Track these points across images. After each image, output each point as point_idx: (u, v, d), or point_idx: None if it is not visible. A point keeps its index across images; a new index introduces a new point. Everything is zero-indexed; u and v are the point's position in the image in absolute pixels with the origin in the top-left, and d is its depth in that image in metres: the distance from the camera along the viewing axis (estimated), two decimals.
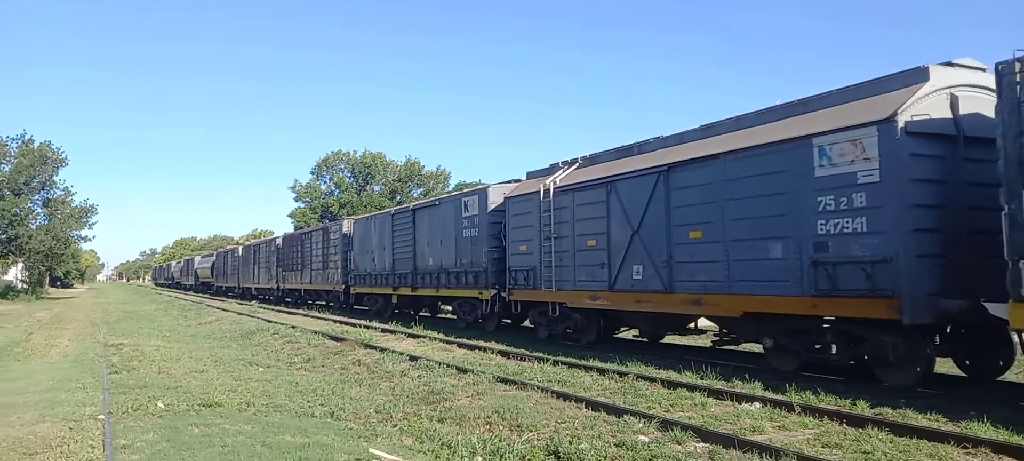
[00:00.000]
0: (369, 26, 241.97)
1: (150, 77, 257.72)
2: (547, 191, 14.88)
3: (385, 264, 23.53)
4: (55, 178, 51.59)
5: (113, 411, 8.89)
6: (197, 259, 75.39)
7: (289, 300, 35.59)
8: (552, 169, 15.51)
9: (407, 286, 21.94)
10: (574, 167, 14.87)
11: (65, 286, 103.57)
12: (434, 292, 20.56)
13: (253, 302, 40.22)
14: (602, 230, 13.35)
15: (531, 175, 16.56)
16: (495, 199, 17.59)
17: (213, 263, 60.38)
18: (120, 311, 35.14)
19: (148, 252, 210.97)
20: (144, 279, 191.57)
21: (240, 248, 50.12)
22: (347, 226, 28.25)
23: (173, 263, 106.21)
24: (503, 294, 16.80)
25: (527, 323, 18.47)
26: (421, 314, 24.01)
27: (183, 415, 8.78)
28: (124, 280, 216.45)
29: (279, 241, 38.30)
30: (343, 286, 27.56)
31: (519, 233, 16.07)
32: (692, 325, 13.27)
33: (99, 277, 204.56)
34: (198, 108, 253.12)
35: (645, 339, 15.20)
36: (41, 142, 50.06)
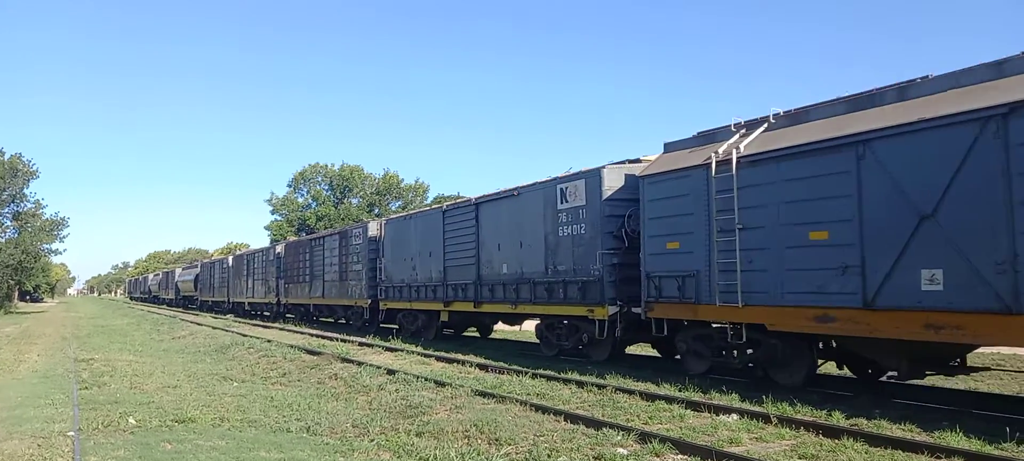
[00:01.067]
0: (346, 38, 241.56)
1: (122, 88, 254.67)
2: (723, 163, 10.58)
3: (432, 274, 19.19)
4: (25, 191, 50.77)
5: (83, 427, 8.70)
6: (177, 271, 69.12)
7: (292, 316, 32.18)
8: (717, 136, 11.37)
9: (465, 300, 17.66)
10: (761, 129, 10.68)
11: (35, 300, 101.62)
12: (510, 309, 16.03)
13: (227, 317, 39.54)
14: (846, 215, 8.96)
15: (674, 146, 12.26)
16: (613, 183, 13.25)
17: (197, 275, 55.37)
18: (91, 325, 34.51)
19: (120, 265, 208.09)
20: (116, 293, 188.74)
21: (230, 258, 44.85)
22: (374, 228, 23.57)
23: (150, 276, 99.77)
24: (632, 310, 12.64)
25: (640, 349, 15.65)
26: (463, 334, 21.25)
27: (155, 431, 8.63)
28: (96, 294, 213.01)
29: (280, 249, 33.94)
30: (368, 301, 23.03)
31: (665, 225, 11.65)
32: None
33: (70, 291, 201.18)
34: (172, 120, 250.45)
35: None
36: (11, 154, 49.28)
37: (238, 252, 43.19)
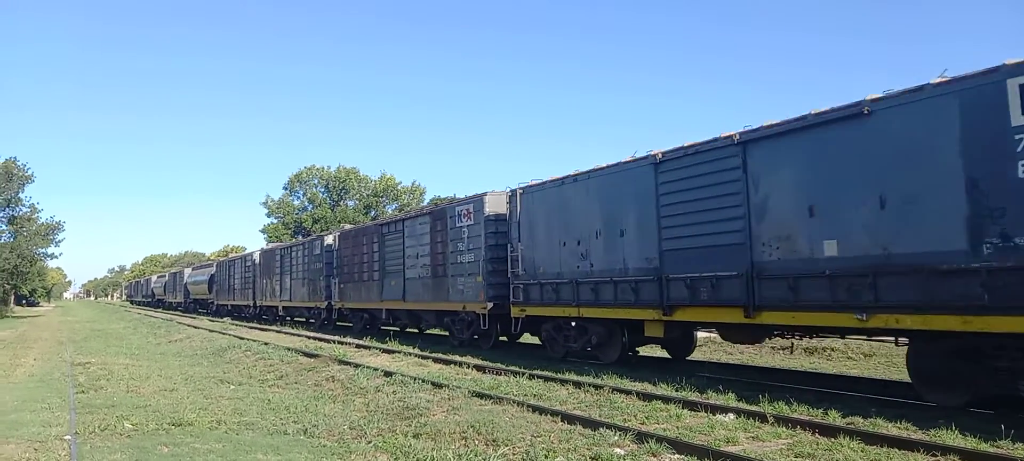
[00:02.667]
0: (340, 41, 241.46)
1: (116, 92, 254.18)
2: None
3: (626, 262, 12.66)
4: (21, 195, 50.62)
5: (80, 431, 8.69)
6: (187, 271, 61.13)
7: (348, 324, 25.68)
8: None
9: (717, 304, 10.88)
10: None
11: (31, 305, 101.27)
12: (857, 321, 8.98)
13: (225, 320, 39.34)
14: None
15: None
16: None
17: (211, 276, 48.83)
18: (87, 329, 34.41)
19: (116, 269, 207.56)
20: (113, 297, 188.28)
21: (257, 253, 37.98)
22: (497, 203, 16.71)
23: (153, 278, 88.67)
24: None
25: None
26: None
27: (152, 434, 8.61)
28: (92, 298, 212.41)
29: (330, 240, 27.41)
30: (489, 304, 16.34)
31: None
32: None
33: (66, 295, 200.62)
34: (167, 123, 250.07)
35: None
36: (6, 159, 49.16)
37: (273, 246, 36.39)
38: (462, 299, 17.61)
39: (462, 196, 19.55)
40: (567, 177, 14.24)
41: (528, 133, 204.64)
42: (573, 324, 14.29)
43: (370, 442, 8.07)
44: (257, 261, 37.11)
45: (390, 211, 67.30)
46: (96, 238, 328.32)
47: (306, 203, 72.01)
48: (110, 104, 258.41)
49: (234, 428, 9.05)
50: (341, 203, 70.69)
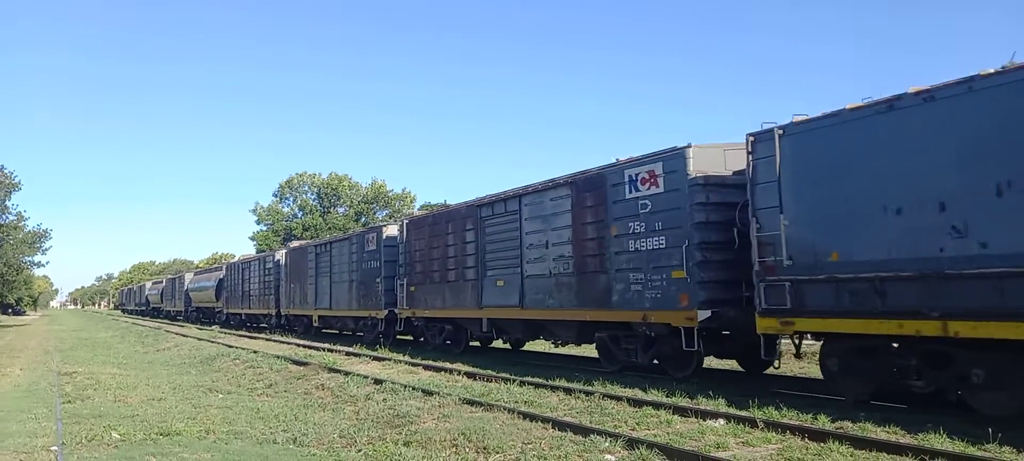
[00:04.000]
0: (333, 48, 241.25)
1: (104, 99, 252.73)
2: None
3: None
4: (7, 203, 50.17)
5: (66, 442, 8.61)
6: (189, 276, 54.85)
7: (427, 336, 19.69)
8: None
9: None
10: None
11: (17, 313, 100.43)
12: None
13: (214, 328, 39.04)
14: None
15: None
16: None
17: (220, 281, 42.92)
18: (74, 338, 34.13)
19: (104, 277, 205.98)
20: (100, 305, 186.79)
21: (282, 253, 32.04)
22: (707, 160, 11.57)
23: (148, 284, 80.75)
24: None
25: None
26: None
27: (140, 444, 8.54)
28: (79, 306, 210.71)
29: (395, 231, 21.30)
30: (695, 310, 11.05)
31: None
32: None
33: (53, 303, 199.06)
34: (156, 130, 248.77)
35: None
36: None
37: (305, 244, 30.92)
38: (638, 306, 12.05)
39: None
40: (903, 97, 8.58)
41: (521, 139, 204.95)
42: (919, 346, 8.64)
43: (360, 450, 8.04)
44: (282, 262, 31.21)
45: (380, 217, 67.18)
46: (83, 246, 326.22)
47: (296, 210, 71.80)
48: (97, 111, 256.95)
49: (223, 437, 8.99)
50: (332, 210, 70.52)
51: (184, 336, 30.62)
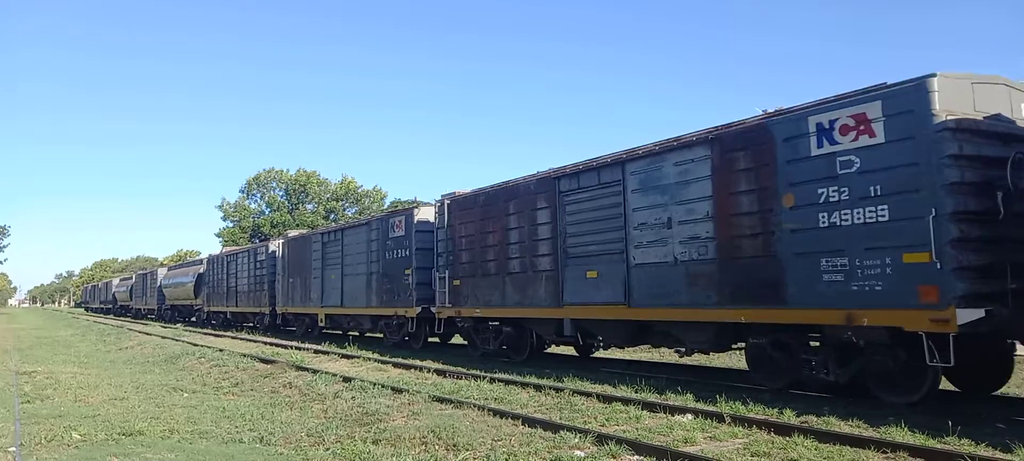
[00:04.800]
0: (302, 44, 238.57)
1: (64, 94, 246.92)
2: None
3: None
4: None
5: (25, 442, 8.38)
6: (162, 272, 49.91)
7: (474, 340, 16.46)
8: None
9: None
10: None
11: None
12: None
13: (177, 326, 38.28)
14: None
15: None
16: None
17: (200, 275, 38.94)
18: (33, 337, 33.29)
19: (64, 274, 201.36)
20: (61, 303, 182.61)
21: (279, 244, 28.19)
22: (965, 95, 8.38)
23: (115, 281, 73.29)
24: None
25: None
26: None
27: (101, 445, 8.35)
28: (38, 305, 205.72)
29: (430, 215, 18.07)
30: (942, 306, 7.85)
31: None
32: None
33: (11, 302, 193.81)
34: (118, 124, 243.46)
35: None
36: None
37: (299, 233, 27.76)
38: (837, 302, 8.90)
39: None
40: None
41: (491, 136, 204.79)
42: None
43: (328, 449, 7.96)
44: (279, 254, 27.82)
45: (350, 214, 66.64)
46: (43, 244, 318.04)
47: (264, 207, 70.91)
48: (58, 105, 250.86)
49: (187, 437, 8.84)
50: (300, 206, 69.78)
51: (148, 334, 30.05)
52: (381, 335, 20.90)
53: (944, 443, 6.96)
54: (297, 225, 61.86)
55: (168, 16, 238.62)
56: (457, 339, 19.22)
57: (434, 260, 17.25)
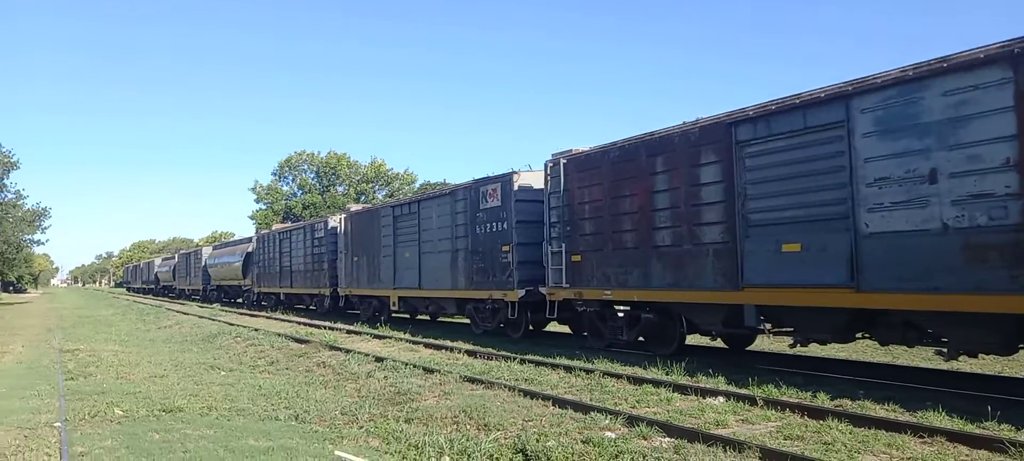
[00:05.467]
0: (332, 28, 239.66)
1: (101, 80, 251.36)
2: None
3: None
4: (6, 181, 50.14)
5: (69, 418, 8.65)
6: (207, 251, 48.37)
7: (611, 328, 13.67)
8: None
9: None
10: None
11: (18, 291, 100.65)
12: None
13: (216, 305, 38.94)
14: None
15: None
16: None
17: (248, 254, 36.70)
18: (76, 316, 34.23)
19: (104, 255, 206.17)
20: (101, 283, 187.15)
21: (340, 219, 25.47)
22: None
23: (157, 261, 72.06)
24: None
25: None
26: None
27: (143, 421, 8.59)
28: (80, 284, 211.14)
29: (534, 177, 15.65)
30: None
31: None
32: None
33: (53, 281, 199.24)
34: (154, 107, 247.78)
35: None
36: None
37: (364, 207, 25.67)
38: None
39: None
40: None
41: (522, 116, 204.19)
42: None
43: (362, 427, 8.09)
44: (341, 230, 24.99)
45: (380, 197, 67.11)
46: (83, 225, 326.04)
47: (296, 189, 71.72)
48: (95, 91, 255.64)
49: (225, 414, 9.04)
50: (331, 189, 70.43)
51: (185, 314, 30.72)
52: (468, 320, 18.12)
53: (983, 428, 6.83)
54: (327, 207, 62.40)
55: (188, 5, 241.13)
56: (554, 326, 17.26)
57: (546, 233, 14.31)
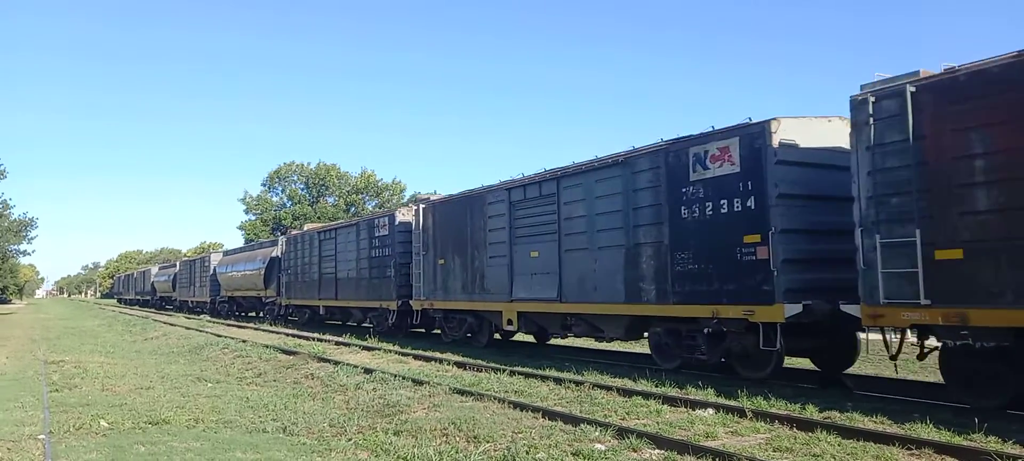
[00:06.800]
0: (321, 37, 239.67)
1: (88, 88, 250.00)
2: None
3: None
4: None
5: (54, 430, 8.55)
6: (216, 257, 42.11)
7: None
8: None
9: None
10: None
11: (2, 302, 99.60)
12: None
13: (203, 317, 38.66)
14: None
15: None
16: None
17: (273, 260, 31.94)
18: (61, 327, 33.90)
19: (91, 266, 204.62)
20: (87, 294, 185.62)
21: (412, 212, 19.79)
22: None
23: (153, 270, 64.49)
24: None
25: None
26: None
27: (128, 433, 8.50)
28: (65, 295, 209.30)
29: (790, 127, 10.13)
30: None
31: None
32: None
33: (38, 292, 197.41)
34: (142, 115, 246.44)
35: None
36: None
37: (440, 197, 19.97)
38: None
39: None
40: None
41: (511, 130, 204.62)
42: None
43: (350, 439, 8.04)
44: (418, 224, 19.18)
45: (371, 207, 67.00)
46: (69, 235, 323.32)
47: (285, 200, 71.54)
48: (82, 100, 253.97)
49: (212, 426, 8.97)
50: (321, 199, 70.30)
51: (172, 325, 30.48)
52: (653, 352, 12.56)
53: (970, 440, 6.87)
54: (318, 217, 62.18)
55: (191, 13, 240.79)
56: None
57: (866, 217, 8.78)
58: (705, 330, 11.02)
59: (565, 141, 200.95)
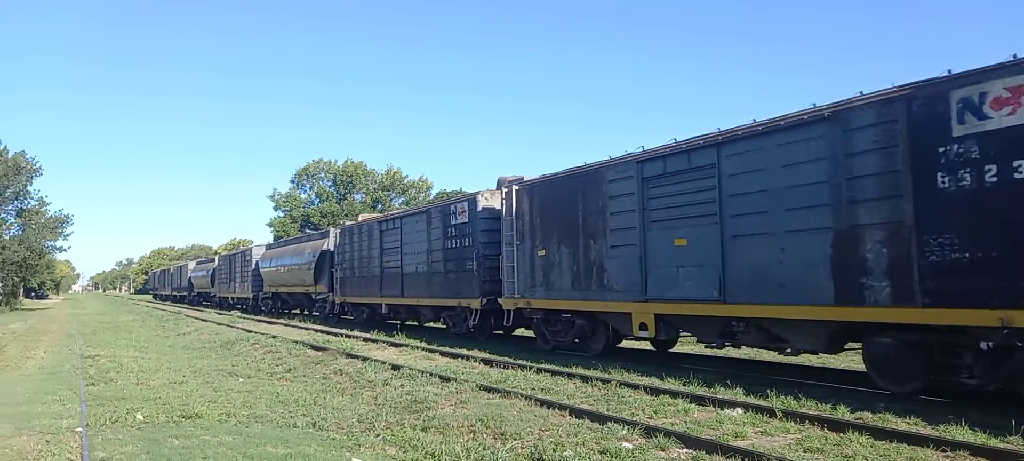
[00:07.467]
0: (349, 35, 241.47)
1: (122, 87, 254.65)
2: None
3: None
4: (29, 188, 51.05)
5: (91, 423, 8.76)
6: (258, 251, 39.05)
7: None
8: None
9: None
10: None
11: (40, 297, 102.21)
12: None
13: (232, 312, 39.20)
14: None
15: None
16: None
17: (323, 254, 29.22)
18: (96, 322, 34.65)
19: (124, 262, 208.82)
20: (121, 289, 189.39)
21: (501, 196, 16.31)
22: None
23: (191, 265, 62.95)
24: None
25: None
26: None
27: (162, 426, 8.68)
28: (101, 291, 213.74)
29: None
30: None
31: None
32: None
33: (74, 288, 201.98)
34: (175, 115, 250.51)
35: None
36: (15, 152, 49.63)
37: (535, 177, 15.59)
38: None
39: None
40: None
41: (537, 126, 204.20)
42: None
43: (379, 435, 8.11)
44: (510, 209, 16.00)
45: (397, 204, 67.42)
46: (104, 232, 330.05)
47: (314, 197, 72.32)
48: (117, 102, 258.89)
49: (244, 421, 9.11)
50: (348, 197, 70.93)
51: (204, 321, 30.98)
52: (868, 368, 9.68)
53: (1007, 442, 6.73)
54: (345, 215, 62.66)
55: (210, 18, 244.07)
56: None
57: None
58: (982, 345, 8.08)
59: (593, 138, 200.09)
